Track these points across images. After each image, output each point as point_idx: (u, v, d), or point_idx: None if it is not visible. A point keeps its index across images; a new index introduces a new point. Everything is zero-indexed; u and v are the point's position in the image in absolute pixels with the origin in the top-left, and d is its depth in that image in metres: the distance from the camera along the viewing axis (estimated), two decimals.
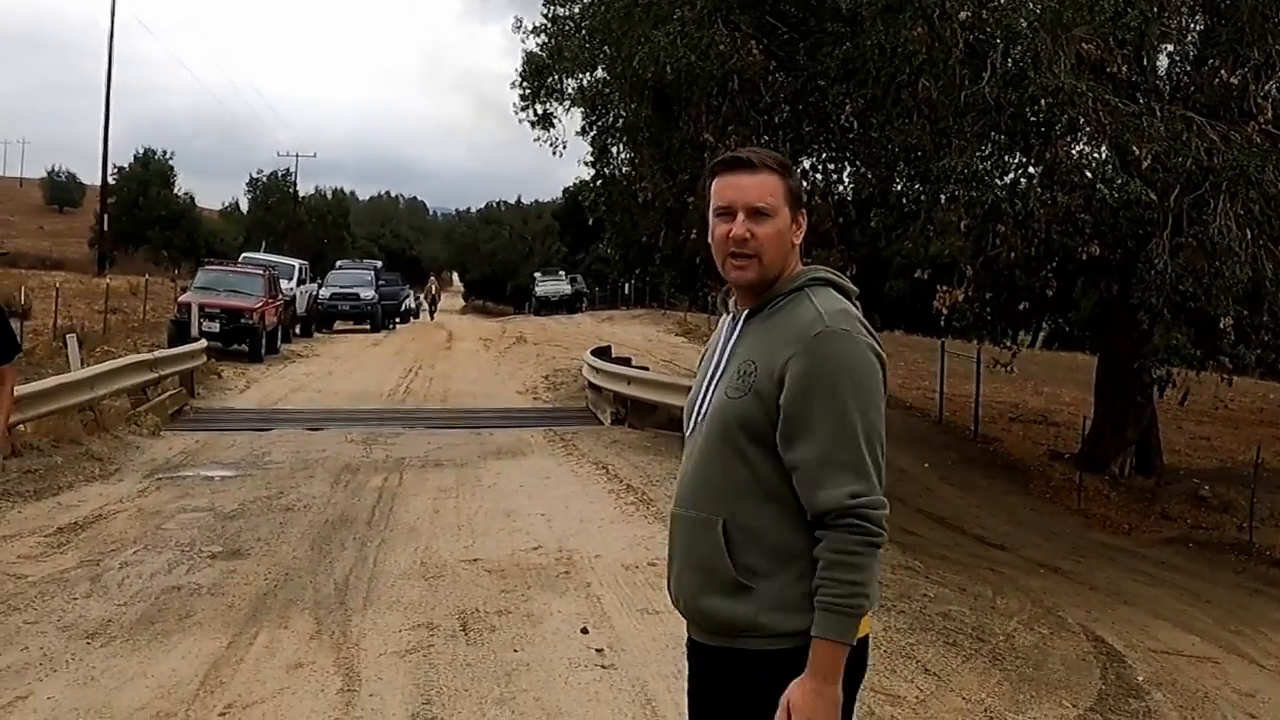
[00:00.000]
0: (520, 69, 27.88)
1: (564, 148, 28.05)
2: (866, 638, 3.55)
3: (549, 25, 27.05)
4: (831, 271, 3.68)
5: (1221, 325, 16.63)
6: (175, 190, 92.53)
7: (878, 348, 3.51)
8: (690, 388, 3.75)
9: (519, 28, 27.56)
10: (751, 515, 3.43)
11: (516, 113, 27.94)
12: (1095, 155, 18.15)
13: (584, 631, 8.85)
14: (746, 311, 3.64)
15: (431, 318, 67.09)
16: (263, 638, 8.61)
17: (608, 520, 13.06)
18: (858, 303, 3.63)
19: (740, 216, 3.54)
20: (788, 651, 3.37)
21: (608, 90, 24.39)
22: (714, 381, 3.61)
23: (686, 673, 3.77)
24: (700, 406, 3.65)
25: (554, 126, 27.64)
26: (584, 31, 25.11)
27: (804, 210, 3.66)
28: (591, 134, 26.51)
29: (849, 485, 3.32)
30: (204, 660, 8.05)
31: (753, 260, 3.55)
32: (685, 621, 3.69)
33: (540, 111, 27.55)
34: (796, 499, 3.39)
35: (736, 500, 3.45)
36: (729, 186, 3.58)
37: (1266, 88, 17.24)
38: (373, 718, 7.10)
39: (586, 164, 27.65)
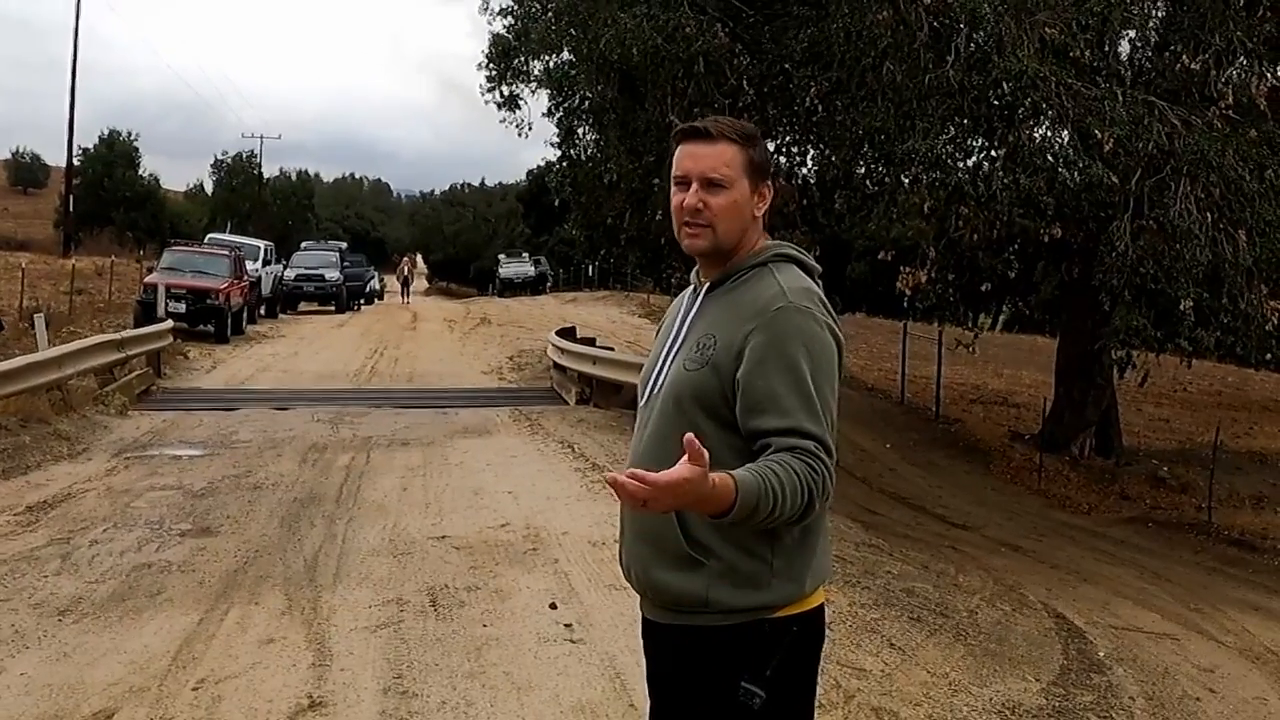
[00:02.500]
0: (486, 51, 27.81)
1: (530, 129, 28.06)
2: (821, 608, 3.56)
3: (515, 7, 26.98)
4: (795, 248, 3.68)
5: (1181, 308, 16.78)
6: (140, 171, 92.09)
7: (836, 329, 3.51)
8: None
9: (485, 9, 27.37)
10: None
11: (483, 94, 27.92)
12: (1058, 139, 18.26)
13: (552, 607, 8.93)
14: (708, 284, 3.64)
15: (404, 300, 65.80)
16: (234, 614, 8.67)
17: (574, 498, 13.13)
18: (820, 281, 3.63)
19: (694, 186, 3.55)
20: (738, 628, 3.39)
21: (574, 72, 24.38)
22: (672, 353, 3.61)
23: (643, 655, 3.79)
24: (656, 378, 3.64)
25: (520, 108, 27.62)
26: (550, 13, 25.06)
27: (768, 182, 3.66)
28: (557, 116, 26.52)
29: (810, 423, 3.29)
30: (176, 636, 8.12)
31: (706, 229, 3.56)
32: (639, 600, 3.68)
33: (506, 93, 27.51)
34: None
35: None
36: (686, 156, 3.58)
37: (1227, 73, 17.41)
38: (345, 692, 7.17)
39: (552, 145, 27.71)
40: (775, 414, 3.29)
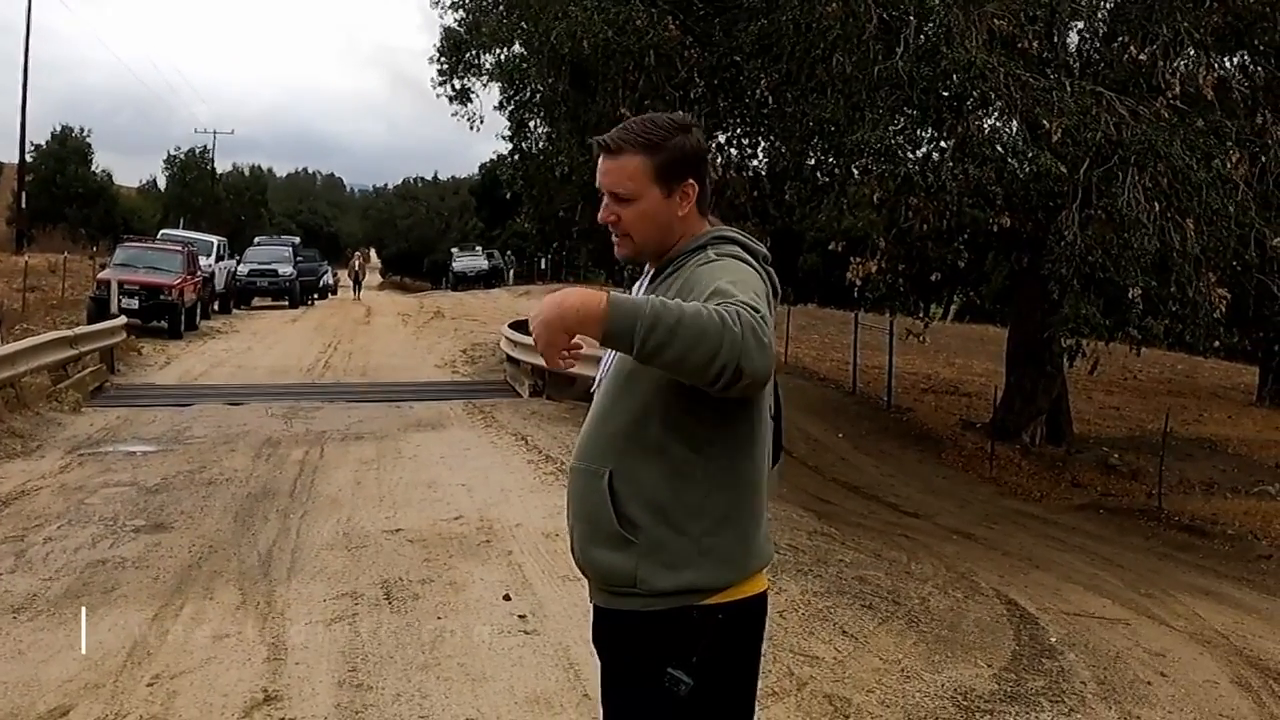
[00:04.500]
0: (438, 44, 27.89)
1: (481, 123, 28.25)
2: (760, 597, 3.58)
3: (467, 1, 27.06)
4: (739, 232, 3.68)
5: (1130, 296, 16.91)
6: (93, 167, 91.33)
7: (764, 276, 3.51)
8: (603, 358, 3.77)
9: (437, 3, 27.45)
10: (634, 468, 3.44)
11: (434, 87, 28.00)
12: (1006, 129, 18.39)
13: (506, 599, 8.98)
14: (653, 271, 3.68)
15: (356, 295, 64.55)
16: (188, 609, 8.69)
17: (527, 490, 13.19)
18: (767, 265, 3.62)
19: (605, 200, 3.61)
20: (666, 614, 3.42)
21: (525, 65, 24.44)
22: None
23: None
24: (606, 363, 3.68)
25: (472, 101, 27.72)
26: (502, 7, 25.11)
27: (690, 180, 3.60)
28: (509, 109, 26.53)
29: (731, 289, 3.21)
30: (130, 632, 8.13)
31: (625, 238, 3.62)
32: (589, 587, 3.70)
33: (458, 87, 27.59)
34: (679, 455, 3.41)
35: (621, 452, 3.46)
36: (599, 170, 3.63)
37: (1175, 64, 17.55)
38: (300, 685, 7.20)
39: (504, 139, 27.74)
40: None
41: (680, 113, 3.90)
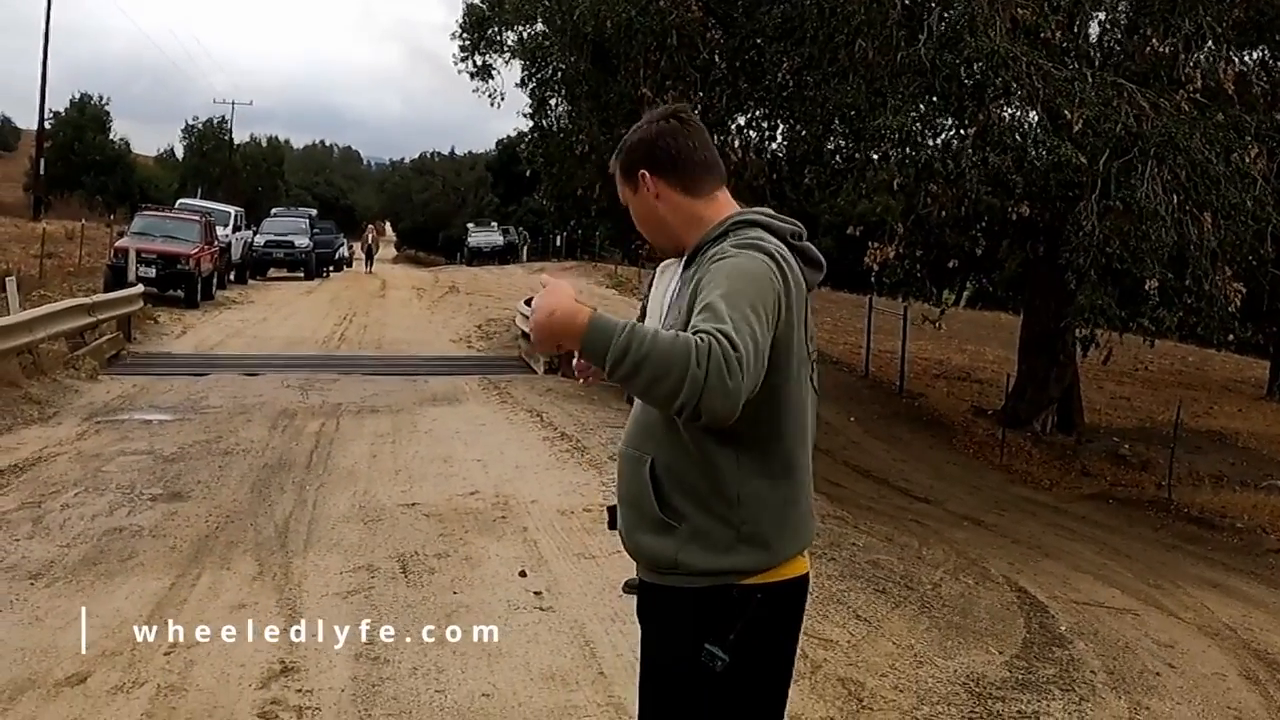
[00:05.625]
0: (461, 20, 27.92)
1: (502, 99, 28.18)
2: (799, 580, 3.62)
3: None
4: (763, 212, 3.65)
5: (1146, 288, 16.94)
6: (111, 136, 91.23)
7: (785, 266, 3.44)
8: None
9: None
10: (674, 456, 3.47)
11: (456, 63, 28.04)
12: (1027, 118, 18.41)
13: (522, 574, 9.03)
14: (685, 260, 3.65)
15: (368, 269, 64.83)
16: (205, 578, 8.74)
17: (543, 467, 13.23)
18: (794, 240, 3.60)
19: None
20: (705, 591, 3.45)
21: (547, 43, 24.45)
22: (660, 325, 3.59)
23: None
24: None
25: (493, 78, 27.76)
26: None
27: (640, 169, 3.64)
28: (530, 86, 26.56)
29: (709, 323, 3.11)
30: (148, 600, 8.18)
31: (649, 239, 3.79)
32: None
33: (480, 63, 27.63)
34: (710, 447, 3.42)
35: (663, 441, 3.49)
36: None
37: (1196, 57, 17.58)
38: (317, 657, 7.25)
39: (525, 116, 27.80)
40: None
41: (673, 105, 3.90)
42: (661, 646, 3.60)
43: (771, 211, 3.69)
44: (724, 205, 3.67)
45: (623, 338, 3.06)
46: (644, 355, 3.04)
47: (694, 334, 3.08)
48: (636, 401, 3.65)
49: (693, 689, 3.49)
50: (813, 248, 3.66)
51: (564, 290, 3.20)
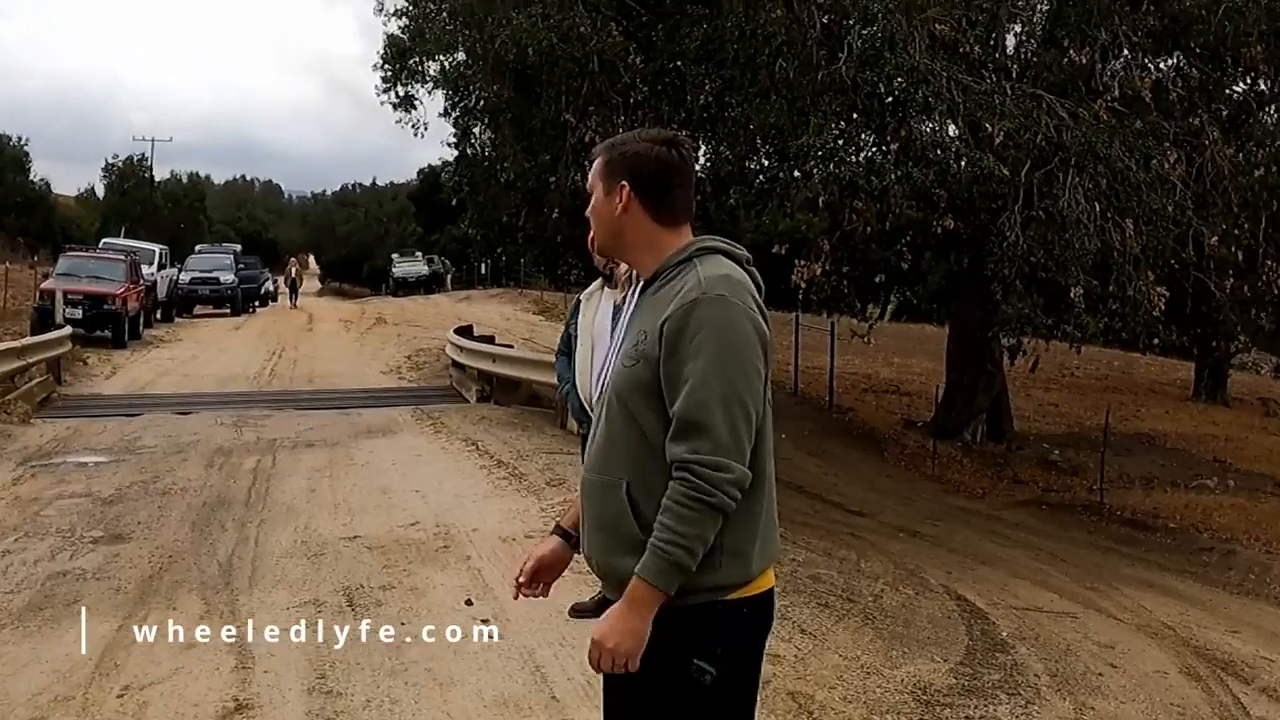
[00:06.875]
0: (382, 51, 27.86)
1: (425, 129, 28.11)
2: (770, 591, 3.69)
3: (410, 8, 27.01)
4: (722, 240, 3.74)
5: (1071, 295, 17.14)
6: (31, 176, 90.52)
7: (756, 314, 3.56)
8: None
9: (380, 10, 27.37)
10: (649, 477, 3.50)
11: (378, 94, 27.95)
12: (948, 132, 18.58)
13: (468, 603, 9.08)
14: (642, 284, 3.76)
15: (293, 304, 63.58)
16: (153, 619, 8.69)
17: (481, 495, 13.27)
18: (751, 268, 3.71)
19: None
20: (693, 608, 3.50)
21: (470, 72, 24.42)
22: (612, 353, 3.75)
23: None
24: (600, 379, 3.83)
25: (415, 108, 27.70)
26: (445, 14, 25.10)
27: (622, 180, 3.70)
28: (454, 116, 26.50)
29: (692, 442, 3.39)
30: (97, 644, 8.15)
31: (593, 233, 3.88)
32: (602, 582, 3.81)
33: (402, 94, 27.58)
34: None
35: (636, 463, 3.54)
36: None
37: (1113, 66, 17.85)
38: (270, 694, 7.27)
39: (448, 145, 27.77)
40: (675, 428, 3.46)
41: (675, 132, 4.00)
42: (648, 666, 3.58)
43: (727, 240, 3.78)
44: (684, 238, 3.75)
45: (672, 558, 3.40)
46: (688, 546, 3.40)
47: (689, 471, 3.39)
48: (595, 429, 3.75)
49: (678, 704, 3.57)
50: (757, 273, 3.74)
51: (606, 635, 3.49)
